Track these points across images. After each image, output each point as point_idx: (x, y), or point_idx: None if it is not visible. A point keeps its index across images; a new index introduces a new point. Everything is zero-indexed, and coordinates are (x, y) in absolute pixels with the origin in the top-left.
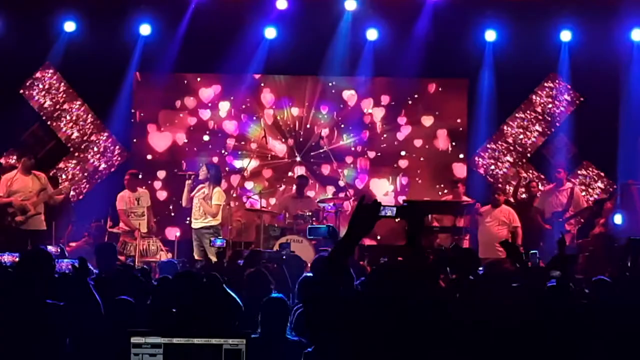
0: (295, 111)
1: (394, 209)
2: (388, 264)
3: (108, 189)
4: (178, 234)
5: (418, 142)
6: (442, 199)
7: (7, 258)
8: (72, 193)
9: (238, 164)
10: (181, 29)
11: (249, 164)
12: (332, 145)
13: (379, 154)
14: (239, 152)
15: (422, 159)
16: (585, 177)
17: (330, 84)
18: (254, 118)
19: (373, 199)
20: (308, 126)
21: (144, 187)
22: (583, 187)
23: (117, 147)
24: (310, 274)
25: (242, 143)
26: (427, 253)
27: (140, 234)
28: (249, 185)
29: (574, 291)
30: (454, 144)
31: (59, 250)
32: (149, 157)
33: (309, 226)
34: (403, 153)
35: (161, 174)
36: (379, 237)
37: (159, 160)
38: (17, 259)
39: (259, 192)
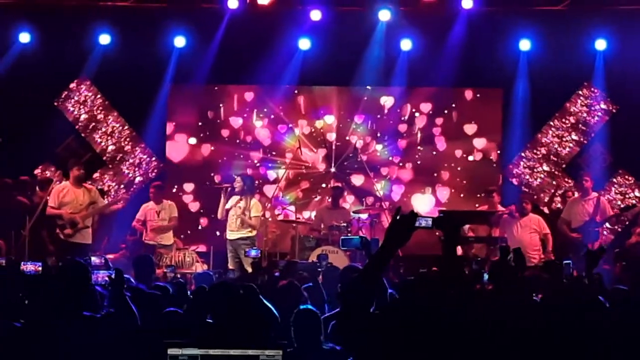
0: (329, 121)
1: (430, 219)
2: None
3: (143, 201)
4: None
5: (455, 152)
6: (477, 209)
7: (29, 267)
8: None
9: (272, 174)
10: (215, 40)
11: (284, 175)
12: (367, 155)
13: (416, 164)
14: (273, 163)
15: (459, 168)
16: (621, 186)
17: (365, 95)
18: (288, 129)
19: (409, 209)
20: (343, 137)
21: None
22: (620, 196)
23: (152, 158)
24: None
25: (276, 154)
26: (464, 263)
27: (176, 246)
28: (283, 196)
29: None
30: (489, 153)
31: (102, 261)
32: (183, 168)
33: (342, 237)
34: (440, 164)
35: (189, 186)
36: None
37: (192, 171)
38: (40, 269)
39: (292, 203)
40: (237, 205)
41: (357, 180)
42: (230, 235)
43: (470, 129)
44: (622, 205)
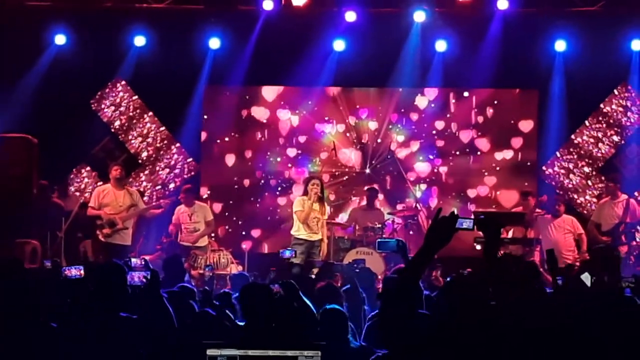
0: (365, 123)
1: (471, 221)
2: (464, 276)
3: (178, 202)
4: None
5: (491, 154)
6: (512, 211)
7: (73, 272)
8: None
9: (307, 171)
10: (251, 41)
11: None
12: (402, 157)
13: (451, 166)
14: (309, 161)
15: (497, 168)
16: None
17: (400, 96)
18: (323, 130)
19: (450, 211)
20: (379, 140)
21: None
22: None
23: (188, 159)
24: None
25: (311, 155)
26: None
27: (210, 247)
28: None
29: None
30: (525, 155)
31: (142, 262)
32: (219, 169)
33: (378, 240)
34: (476, 165)
35: (244, 186)
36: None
37: (227, 174)
38: (83, 272)
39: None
40: (313, 208)
41: (392, 181)
42: (309, 236)
43: (506, 130)
44: None
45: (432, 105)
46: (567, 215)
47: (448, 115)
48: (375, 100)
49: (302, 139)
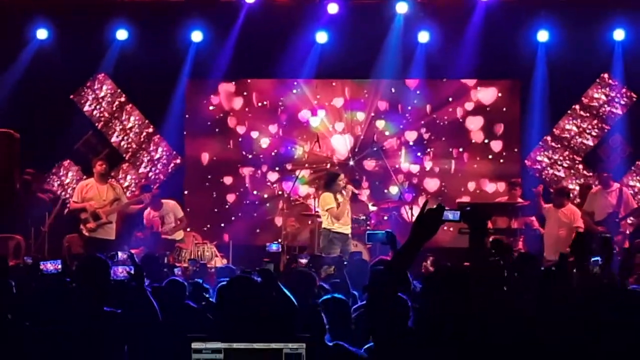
0: (349, 115)
1: (458, 212)
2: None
3: (162, 196)
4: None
5: (475, 144)
6: (496, 201)
7: (50, 266)
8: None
9: (291, 152)
10: (233, 34)
11: (300, 173)
12: (385, 148)
13: (435, 156)
14: (293, 144)
15: (478, 158)
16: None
17: (384, 87)
18: (307, 121)
19: (438, 203)
20: (362, 131)
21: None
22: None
23: (171, 154)
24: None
25: (295, 145)
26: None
27: (194, 241)
28: (301, 190)
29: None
30: (508, 145)
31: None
32: (202, 163)
33: (367, 231)
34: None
35: (228, 179)
36: None
37: (211, 167)
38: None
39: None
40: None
41: (376, 173)
42: (346, 229)
43: (488, 120)
44: None
45: (415, 96)
46: (571, 205)
47: (431, 107)
48: (358, 92)
49: (285, 129)
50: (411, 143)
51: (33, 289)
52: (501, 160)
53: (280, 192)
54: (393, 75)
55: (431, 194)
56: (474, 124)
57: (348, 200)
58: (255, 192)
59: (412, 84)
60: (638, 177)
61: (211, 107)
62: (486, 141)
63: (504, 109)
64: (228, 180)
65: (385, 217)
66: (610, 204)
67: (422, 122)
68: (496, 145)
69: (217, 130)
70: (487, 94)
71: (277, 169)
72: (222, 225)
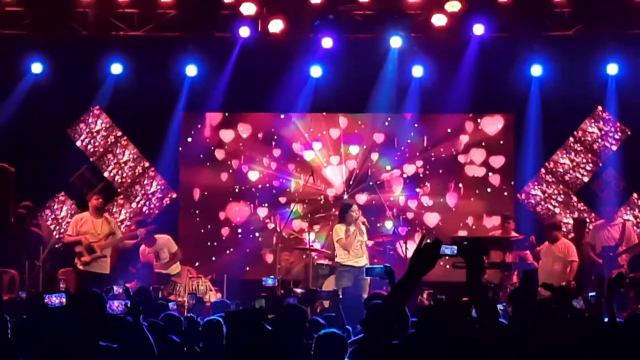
0: (344, 149)
1: (455, 247)
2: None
3: (156, 231)
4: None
5: (469, 178)
6: (490, 235)
7: (54, 300)
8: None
9: (286, 185)
10: (227, 68)
11: (294, 207)
12: (380, 183)
13: (429, 190)
14: (288, 177)
15: (474, 192)
16: (635, 209)
17: (376, 122)
18: (302, 156)
19: (434, 237)
20: (357, 166)
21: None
22: (634, 220)
23: (165, 187)
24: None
25: (287, 183)
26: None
27: (189, 275)
28: (295, 224)
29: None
30: (503, 179)
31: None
32: (196, 197)
33: (366, 266)
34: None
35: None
36: None
37: (205, 201)
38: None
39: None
40: (356, 231)
41: (369, 207)
42: (359, 262)
43: (482, 154)
44: None
45: (412, 130)
46: (565, 239)
47: (427, 141)
48: (353, 125)
49: (279, 163)
50: (406, 177)
51: (31, 324)
52: (495, 194)
53: (274, 226)
54: (387, 110)
55: (427, 229)
56: (470, 158)
57: (362, 233)
58: (249, 227)
59: (407, 117)
60: (632, 212)
61: (205, 141)
62: (482, 175)
63: (498, 143)
64: (222, 214)
65: (375, 254)
66: (612, 238)
67: (418, 155)
68: (492, 179)
69: (211, 164)
70: (481, 128)
71: (269, 203)
72: (216, 259)
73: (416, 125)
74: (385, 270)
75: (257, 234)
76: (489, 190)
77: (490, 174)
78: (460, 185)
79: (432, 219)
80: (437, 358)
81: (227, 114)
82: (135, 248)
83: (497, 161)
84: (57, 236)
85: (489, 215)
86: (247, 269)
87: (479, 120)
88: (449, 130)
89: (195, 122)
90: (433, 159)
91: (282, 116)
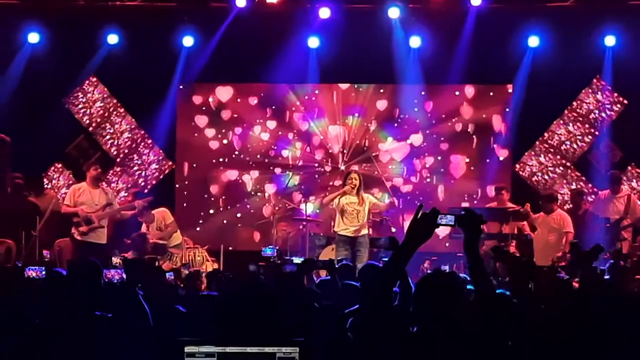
0: (342, 119)
1: (453, 217)
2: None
3: (152, 203)
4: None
5: (465, 150)
6: (486, 206)
7: (31, 273)
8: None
9: (285, 153)
10: (223, 39)
11: (290, 178)
12: (376, 154)
13: (426, 163)
14: (287, 144)
15: (471, 168)
16: (632, 181)
17: (373, 93)
18: (296, 130)
19: (432, 207)
20: (353, 136)
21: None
22: (629, 190)
23: (162, 158)
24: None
25: (284, 153)
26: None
27: (185, 245)
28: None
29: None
30: (498, 150)
31: (119, 260)
32: (193, 167)
33: (371, 237)
34: (450, 161)
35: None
36: None
37: (202, 172)
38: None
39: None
40: (347, 201)
41: (366, 179)
42: (350, 232)
43: (480, 125)
44: None
45: (408, 101)
46: (560, 211)
47: (424, 112)
48: (351, 97)
49: (276, 134)
50: (405, 148)
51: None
52: (494, 166)
53: (269, 196)
54: (386, 80)
55: (426, 201)
56: (469, 129)
57: (362, 203)
58: (245, 197)
59: (406, 88)
60: (629, 182)
61: (202, 111)
62: (479, 146)
63: (495, 114)
64: (219, 184)
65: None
66: (617, 210)
67: (417, 127)
68: (490, 151)
69: (207, 133)
70: (479, 99)
71: (265, 173)
72: (213, 229)
73: (415, 97)
74: (389, 241)
75: (253, 204)
76: (488, 161)
77: (488, 145)
78: (460, 156)
79: (431, 190)
80: (433, 326)
81: (223, 84)
82: (132, 219)
83: (495, 132)
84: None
85: (489, 187)
86: (249, 235)
87: (476, 91)
88: (447, 102)
89: (192, 92)
90: (432, 130)
91: (279, 86)
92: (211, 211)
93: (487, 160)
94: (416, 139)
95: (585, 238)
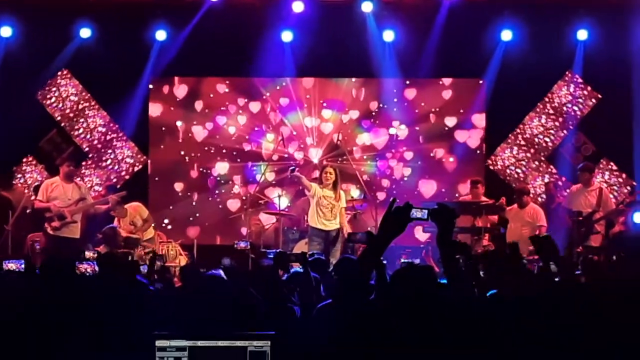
0: (311, 113)
1: (425, 211)
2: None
3: (126, 198)
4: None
5: (438, 143)
6: (460, 200)
7: (12, 266)
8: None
9: (253, 166)
10: (195, 32)
11: (265, 169)
12: (350, 148)
13: (401, 157)
14: (261, 136)
15: (443, 160)
16: (604, 175)
17: (346, 86)
18: (270, 124)
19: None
20: (324, 129)
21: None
22: (603, 184)
23: (135, 152)
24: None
25: (257, 147)
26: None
27: (158, 239)
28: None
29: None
30: (472, 144)
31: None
32: (166, 161)
33: (349, 232)
34: (423, 155)
35: (179, 185)
36: None
37: (175, 166)
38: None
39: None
40: (323, 194)
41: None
42: (329, 225)
43: (452, 120)
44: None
45: (383, 95)
46: (533, 204)
47: (399, 106)
48: (326, 91)
49: (249, 128)
50: (381, 142)
51: None
52: (468, 159)
53: (243, 190)
54: (357, 74)
55: (400, 194)
56: (443, 122)
57: (338, 199)
58: (219, 190)
59: (380, 81)
60: (602, 176)
61: (175, 104)
62: (454, 140)
63: (468, 108)
64: (192, 177)
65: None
66: (589, 204)
67: (392, 120)
68: (464, 144)
69: (180, 127)
70: (452, 93)
71: (239, 166)
72: (186, 223)
73: (390, 90)
74: (367, 237)
75: (226, 198)
76: (462, 154)
77: (463, 138)
78: (436, 150)
79: (406, 185)
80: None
81: (197, 78)
82: (105, 213)
83: (468, 126)
84: (25, 200)
85: (463, 181)
86: (222, 229)
87: (451, 85)
88: (423, 95)
89: (165, 87)
90: (407, 123)
91: (253, 79)
92: (183, 204)
93: (462, 154)
94: (392, 132)
95: (558, 231)
